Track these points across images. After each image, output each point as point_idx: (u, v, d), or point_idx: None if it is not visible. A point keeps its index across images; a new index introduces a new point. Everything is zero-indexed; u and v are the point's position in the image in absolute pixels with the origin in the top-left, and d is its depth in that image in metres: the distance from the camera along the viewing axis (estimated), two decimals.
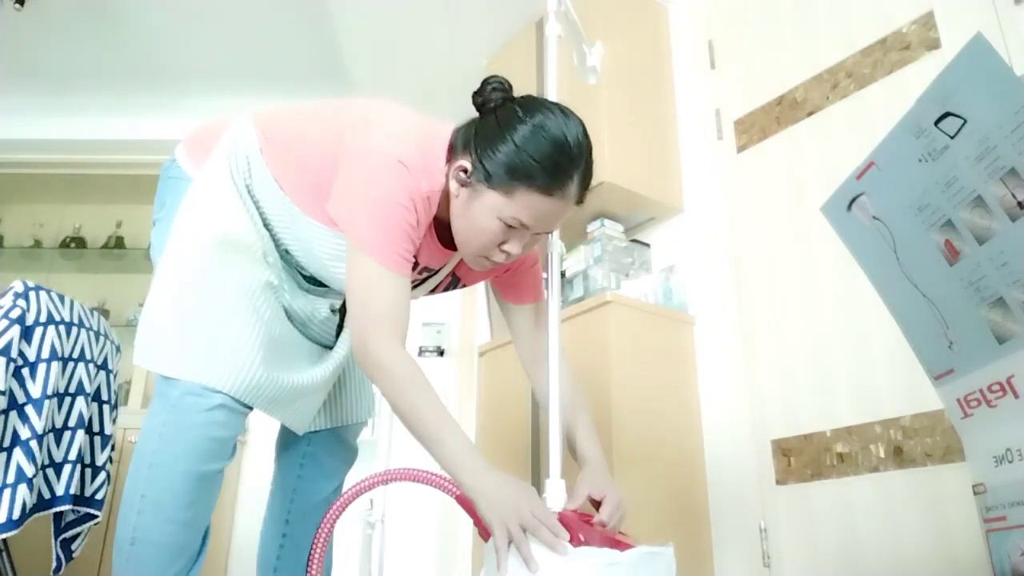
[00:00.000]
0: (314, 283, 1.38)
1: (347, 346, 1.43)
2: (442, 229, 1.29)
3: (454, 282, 1.46)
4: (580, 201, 1.23)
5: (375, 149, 1.19)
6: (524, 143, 1.15)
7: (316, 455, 1.51)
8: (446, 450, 1.11)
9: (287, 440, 1.52)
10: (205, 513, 1.24)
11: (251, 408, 1.27)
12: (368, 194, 1.17)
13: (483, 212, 1.18)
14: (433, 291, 1.47)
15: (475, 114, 1.25)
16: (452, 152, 1.23)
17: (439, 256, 1.34)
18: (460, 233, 1.24)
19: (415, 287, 1.36)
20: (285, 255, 1.34)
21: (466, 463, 1.11)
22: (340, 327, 1.45)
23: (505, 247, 1.21)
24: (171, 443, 1.19)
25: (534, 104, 1.21)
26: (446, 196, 1.23)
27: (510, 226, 1.18)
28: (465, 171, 1.19)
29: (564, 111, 1.23)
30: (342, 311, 1.44)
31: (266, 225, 1.31)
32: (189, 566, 1.22)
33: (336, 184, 1.22)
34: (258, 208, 1.31)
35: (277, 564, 1.46)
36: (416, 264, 1.28)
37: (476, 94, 1.24)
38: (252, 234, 1.28)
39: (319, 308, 1.39)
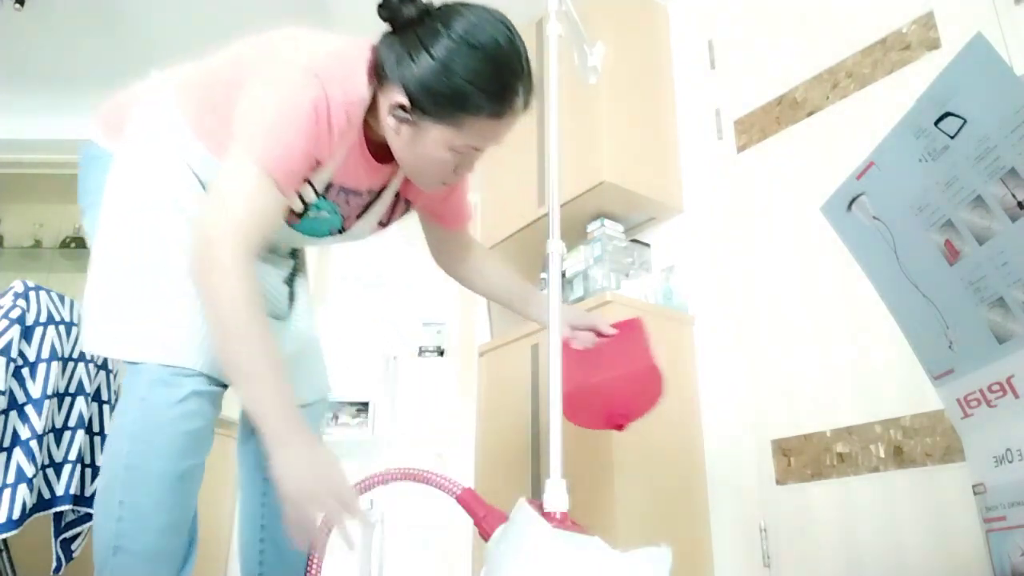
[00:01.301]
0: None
1: (302, 320, 1.37)
2: (374, 146, 1.21)
3: (406, 206, 1.39)
4: (527, 106, 1.19)
5: (281, 61, 1.11)
6: (458, 67, 1.08)
7: None
8: (259, 387, 1.00)
9: (245, 433, 1.40)
10: (187, 513, 1.17)
11: (223, 387, 1.18)
12: (267, 102, 1.07)
13: (433, 146, 1.13)
14: (386, 224, 1.38)
15: None
16: (378, 74, 1.14)
17: (376, 174, 1.25)
18: (411, 167, 1.19)
19: (360, 215, 1.29)
20: None
21: (276, 410, 1.00)
22: (292, 297, 1.39)
23: (459, 170, 1.20)
24: (145, 443, 1.10)
25: (451, 13, 1.12)
26: (373, 112, 1.16)
27: (462, 152, 1.15)
28: (403, 108, 1.11)
29: (481, 12, 1.13)
30: (291, 281, 1.39)
31: (201, 183, 1.22)
32: (176, 572, 1.16)
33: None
34: (189, 166, 1.21)
35: (261, 570, 1.38)
36: (357, 192, 1.24)
37: (381, 7, 1.13)
38: (185, 194, 1.19)
39: (266, 275, 1.30)
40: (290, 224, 1.22)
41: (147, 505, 1.10)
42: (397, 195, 1.36)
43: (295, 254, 1.47)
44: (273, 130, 1.06)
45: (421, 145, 1.14)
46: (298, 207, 1.18)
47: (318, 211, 1.22)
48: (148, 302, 1.14)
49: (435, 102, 1.09)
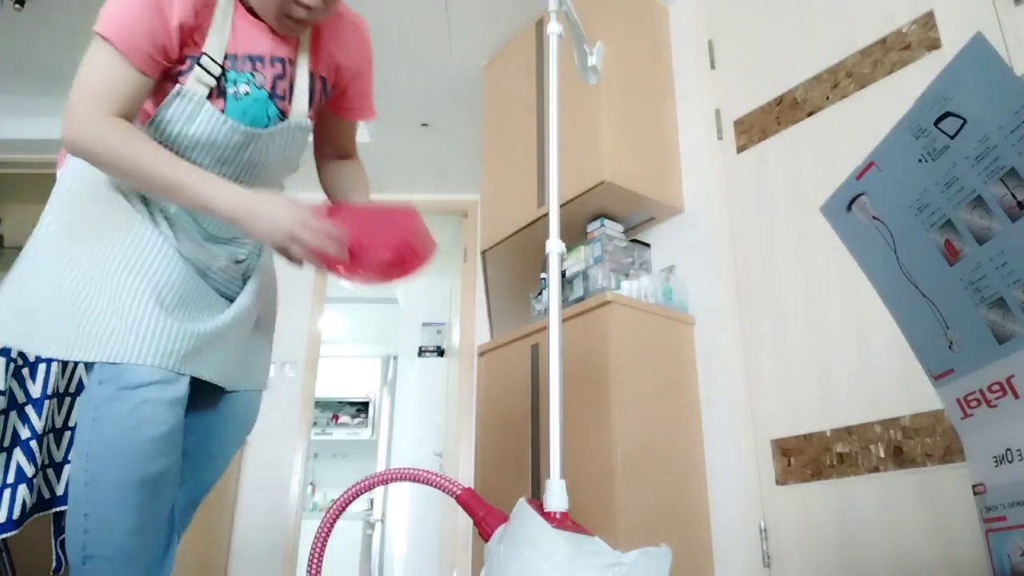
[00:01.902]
0: (212, 237, 1.33)
1: (246, 304, 1.36)
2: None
3: (324, 86, 1.42)
4: None
5: None
6: None
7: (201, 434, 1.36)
8: (187, 188, 1.12)
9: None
10: (159, 513, 1.18)
11: (183, 391, 1.18)
12: None
13: None
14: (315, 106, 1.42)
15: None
16: None
17: (274, 37, 1.30)
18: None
19: (290, 99, 1.33)
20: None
21: (218, 191, 1.13)
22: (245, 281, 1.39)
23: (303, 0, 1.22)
24: (99, 460, 1.13)
25: None
26: None
27: None
28: None
29: None
30: (249, 265, 1.39)
31: None
32: (149, 572, 1.16)
33: None
34: None
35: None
36: (262, 59, 1.27)
37: None
38: (121, 199, 1.25)
39: (217, 258, 1.32)
40: (223, 111, 1.26)
41: (110, 512, 1.13)
42: (316, 77, 1.38)
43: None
44: (113, 7, 1.16)
45: None
46: (208, 80, 1.22)
47: (235, 85, 1.25)
48: (84, 308, 1.17)
49: None
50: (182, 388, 1.18)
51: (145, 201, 1.26)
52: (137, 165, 1.13)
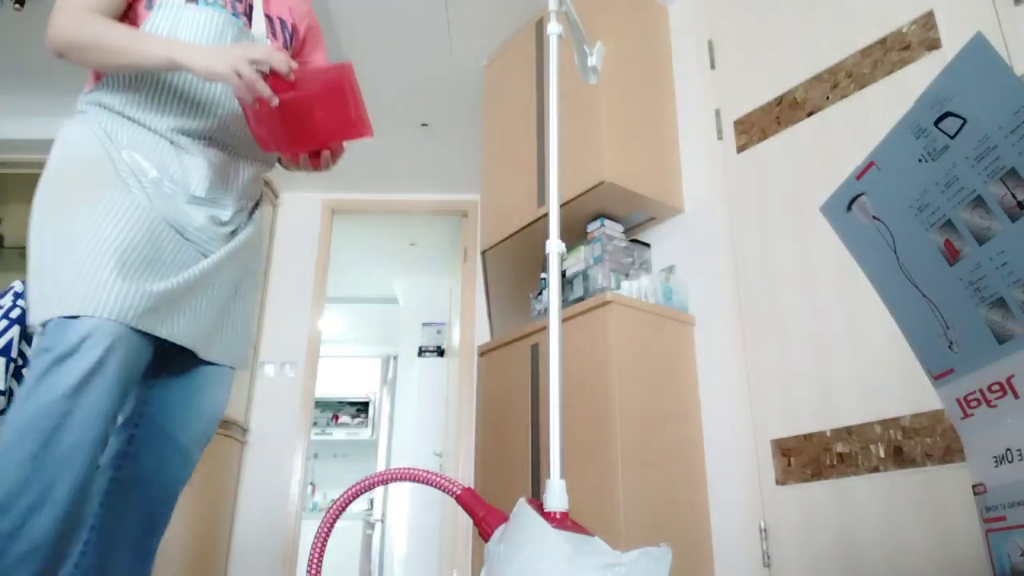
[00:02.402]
0: (194, 199, 1.37)
1: (224, 253, 1.38)
2: None
3: (284, 27, 1.53)
4: None
5: None
6: None
7: (156, 420, 1.34)
8: (159, 49, 1.26)
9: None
10: (56, 479, 1.10)
11: (121, 341, 1.17)
12: None
13: None
14: (287, 49, 1.52)
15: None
16: None
17: None
18: None
19: (249, 18, 1.45)
20: (163, 107, 1.36)
21: (181, 46, 1.27)
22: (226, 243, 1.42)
23: None
24: (11, 430, 1.11)
25: None
26: None
27: None
28: None
29: None
30: (232, 229, 1.42)
31: (127, 115, 1.37)
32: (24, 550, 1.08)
33: None
34: (108, 108, 1.37)
35: (84, 548, 1.28)
36: None
37: None
38: (102, 158, 1.31)
39: (193, 218, 1.34)
40: (196, 2, 1.42)
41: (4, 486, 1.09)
42: (274, 19, 1.52)
43: (251, 196, 1.50)
44: None
45: None
46: None
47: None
48: (47, 271, 1.27)
49: None
50: (124, 343, 1.18)
51: (127, 167, 1.31)
52: (110, 41, 1.28)
